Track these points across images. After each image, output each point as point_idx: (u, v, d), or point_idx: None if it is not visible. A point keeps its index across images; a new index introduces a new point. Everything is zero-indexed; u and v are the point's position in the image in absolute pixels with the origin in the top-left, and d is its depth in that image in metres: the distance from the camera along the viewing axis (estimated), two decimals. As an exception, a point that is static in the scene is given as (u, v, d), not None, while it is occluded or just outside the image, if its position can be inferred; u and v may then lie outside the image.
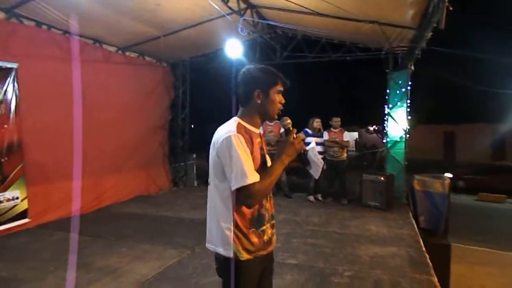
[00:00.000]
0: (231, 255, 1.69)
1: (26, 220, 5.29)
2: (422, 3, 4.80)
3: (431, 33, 5.18)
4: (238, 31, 6.36)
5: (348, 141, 7.39)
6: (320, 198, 7.45)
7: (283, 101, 1.81)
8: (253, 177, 1.61)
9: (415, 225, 5.66)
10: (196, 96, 9.99)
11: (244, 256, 1.70)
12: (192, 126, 10.27)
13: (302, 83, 17.47)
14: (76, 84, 5.75)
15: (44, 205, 5.65)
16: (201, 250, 4.41)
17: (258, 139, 1.79)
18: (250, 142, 1.69)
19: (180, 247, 4.57)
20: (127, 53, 7.61)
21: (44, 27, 5.72)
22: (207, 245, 1.81)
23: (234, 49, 7.44)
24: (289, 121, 1.88)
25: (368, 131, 27.42)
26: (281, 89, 1.79)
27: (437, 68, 9.20)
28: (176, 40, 7.34)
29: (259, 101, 1.75)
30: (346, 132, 7.40)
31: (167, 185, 8.91)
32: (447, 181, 6.01)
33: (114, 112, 7.15)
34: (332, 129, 7.40)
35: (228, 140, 1.62)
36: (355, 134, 26.89)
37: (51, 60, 5.78)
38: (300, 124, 7.30)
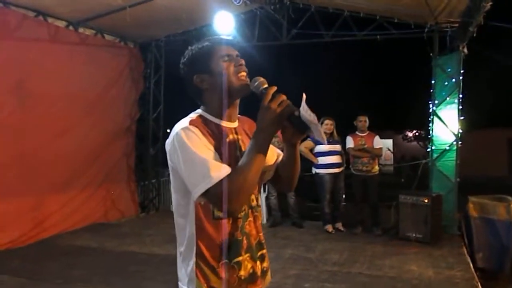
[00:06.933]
0: None
1: None
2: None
3: (490, 3, 5.21)
4: (230, 0, 6.40)
5: (380, 148, 7.45)
6: (341, 228, 7.44)
7: (242, 62, 1.75)
8: (219, 172, 1.53)
9: (471, 265, 5.66)
10: (173, 88, 9.96)
11: None
12: (168, 131, 10.24)
13: (317, 70, 17.54)
14: (11, 71, 5.72)
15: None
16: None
17: (234, 135, 1.78)
18: (211, 134, 1.67)
19: (150, 294, 4.55)
20: (80, 30, 7.63)
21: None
22: (179, 283, 1.80)
23: (224, 24, 7.47)
24: (262, 79, 1.70)
25: (406, 137, 27.54)
26: (227, 53, 1.74)
27: (500, 52, 9.23)
28: (148, 13, 7.37)
29: (206, 86, 1.75)
30: (377, 137, 7.44)
31: (133, 209, 8.89)
32: (514, 205, 6.03)
33: (62, 109, 7.11)
34: (357, 132, 7.45)
35: (177, 137, 1.62)
36: (389, 142, 26.98)
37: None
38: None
